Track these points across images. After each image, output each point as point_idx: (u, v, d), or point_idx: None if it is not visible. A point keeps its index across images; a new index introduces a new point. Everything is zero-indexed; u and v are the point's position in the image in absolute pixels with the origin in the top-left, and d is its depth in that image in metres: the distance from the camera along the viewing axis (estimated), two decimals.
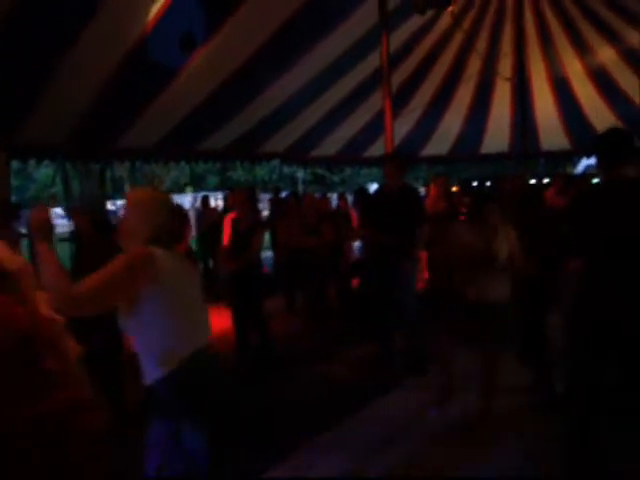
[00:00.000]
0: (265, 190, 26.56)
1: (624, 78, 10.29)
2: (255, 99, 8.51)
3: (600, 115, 11.06)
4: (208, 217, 12.00)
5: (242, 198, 6.16)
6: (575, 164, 26.49)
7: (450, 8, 7.43)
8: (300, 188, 29.43)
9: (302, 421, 4.65)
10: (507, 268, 4.27)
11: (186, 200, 31.04)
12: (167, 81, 7.18)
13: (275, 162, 12.14)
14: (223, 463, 2.67)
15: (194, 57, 6.88)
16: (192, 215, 15.79)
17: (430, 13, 7.90)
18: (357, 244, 7.83)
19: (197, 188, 32.41)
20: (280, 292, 8.48)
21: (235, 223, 6.06)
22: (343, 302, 7.86)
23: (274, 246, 10.72)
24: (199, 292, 2.73)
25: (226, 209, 11.23)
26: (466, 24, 9.50)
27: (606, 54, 9.90)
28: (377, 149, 10.61)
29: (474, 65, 10.41)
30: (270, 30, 7.13)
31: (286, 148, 10.85)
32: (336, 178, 31.92)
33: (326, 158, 12.42)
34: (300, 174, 30.76)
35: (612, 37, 9.58)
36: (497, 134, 12.19)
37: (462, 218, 6.81)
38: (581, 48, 10.06)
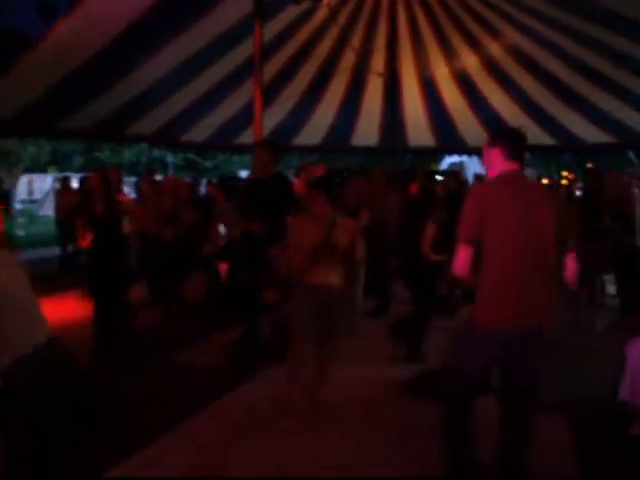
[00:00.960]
0: (132, 173, 25.70)
1: (485, 84, 10.88)
2: (123, 78, 8.16)
3: (463, 116, 11.60)
4: (67, 200, 11.36)
5: (96, 182, 5.93)
6: (439, 161, 27.88)
7: (325, 1, 7.47)
8: (170, 173, 28.72)
9: (156, 413, 4.49)
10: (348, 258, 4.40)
11: (47, 180, 29.45)
12: (25, 50, 6.69)
13: (144, 145, 11.74)
14: (64, 462, 2.55)
15: (57, 27, 6.45)
16: (52, 197, 15.03)
17: (307, 5, 7.92)
18: (223, 230, 7.73)
19: (62, 168, 30.79)
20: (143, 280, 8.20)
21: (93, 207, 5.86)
22: (210, 291, 7.74)
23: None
24: (24, 287, 2.59)
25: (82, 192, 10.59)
26: (342, 19, 9.60)
27: (470, 60, 10.39)
28: (249, 136, 10.54)
29: (348, 59, 10.55)
30: (142, 7, 6.83)
31: (155, 131, 10.51)
32: (208, 164, 31.40)
33: (197, 143, 12.17)
34: (170, 158, 30.01)
35: (475, 45, 10.08)
36: (368, 128, 12.46)
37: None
38: (448, 52, 10.48)
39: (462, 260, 3.11)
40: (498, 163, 3.24)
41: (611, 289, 7.89)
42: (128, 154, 29.01)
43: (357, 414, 4.47)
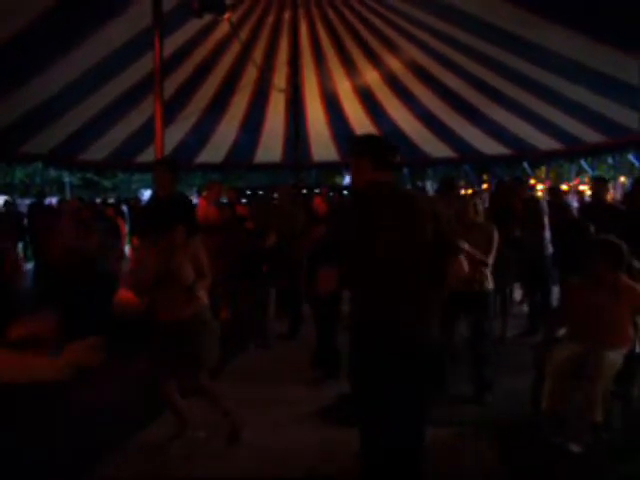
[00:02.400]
0: (26, 195, 24.50)
1: (386, 98, 11.10)
2: (12, 92, 7.65)
3: (366, 130, 11.71)
4: None
5: None
6: (343, 175, 28.18)
7: (227, 15, 7.34)
8: (68, 194, 27.55)
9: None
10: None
11: None
12: None
13: (38, 164, 11.16)
14: None
15: None
16: None
17: (208, 20, 7.76)
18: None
19: None
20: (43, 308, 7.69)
21: None
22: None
23: (35, 257, 9.85)
24: None
25: None
26: (244, 34, 9.49)
27: (371, 76, 10.56)
28: (149, 155, 10.22)
29: (250, 75, 10.45)
30: (30, 15, 6.40)
31: (50, 150, 10.00)
32: (108, 183, 30.34)
33: (95, 162, 11.69)
34: (67, 178, 28.75)
35: (376, 61, 10.24)
36: (271, 144, 12.42)
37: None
38: (350, 68, 10.59)
39: None
40: (367, 173, 3.05)
41: (518, 296, 8.13)
42: (19, 174, 27.53)
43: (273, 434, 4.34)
